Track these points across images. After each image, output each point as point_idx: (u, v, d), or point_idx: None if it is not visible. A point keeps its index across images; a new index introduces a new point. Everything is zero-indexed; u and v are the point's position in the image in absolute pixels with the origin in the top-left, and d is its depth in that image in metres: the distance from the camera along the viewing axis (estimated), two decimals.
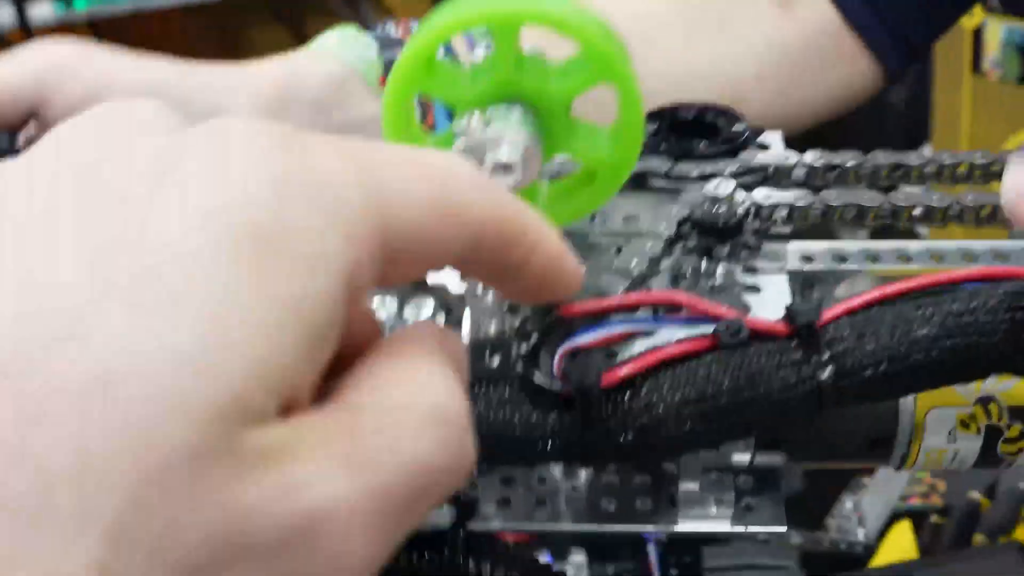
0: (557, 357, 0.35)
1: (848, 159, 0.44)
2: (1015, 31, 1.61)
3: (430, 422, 0.24)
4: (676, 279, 0.42)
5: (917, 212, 0.42)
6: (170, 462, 0.20)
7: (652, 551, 0.66)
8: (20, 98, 0.55)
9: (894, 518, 0.76)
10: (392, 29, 0.63)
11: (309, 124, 0.59)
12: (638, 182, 0.44)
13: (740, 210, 0.40)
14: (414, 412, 0.24)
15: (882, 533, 0.67)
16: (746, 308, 0.39)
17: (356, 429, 0.23)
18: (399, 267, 0.25)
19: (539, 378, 0.35)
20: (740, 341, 0.34)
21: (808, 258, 0.43)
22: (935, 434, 0.39)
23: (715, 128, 0.46)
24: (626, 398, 0.34)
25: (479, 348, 0.37)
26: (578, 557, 0.69)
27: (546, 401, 0.35)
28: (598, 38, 0.34)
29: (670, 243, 0.40)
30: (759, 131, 0.47)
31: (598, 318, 0.37)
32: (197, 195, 0.22)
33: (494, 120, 0.34)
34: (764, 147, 0.46)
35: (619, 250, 0.40)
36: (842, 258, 0.42)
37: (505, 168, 0.33)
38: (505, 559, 0.42)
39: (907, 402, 0.39)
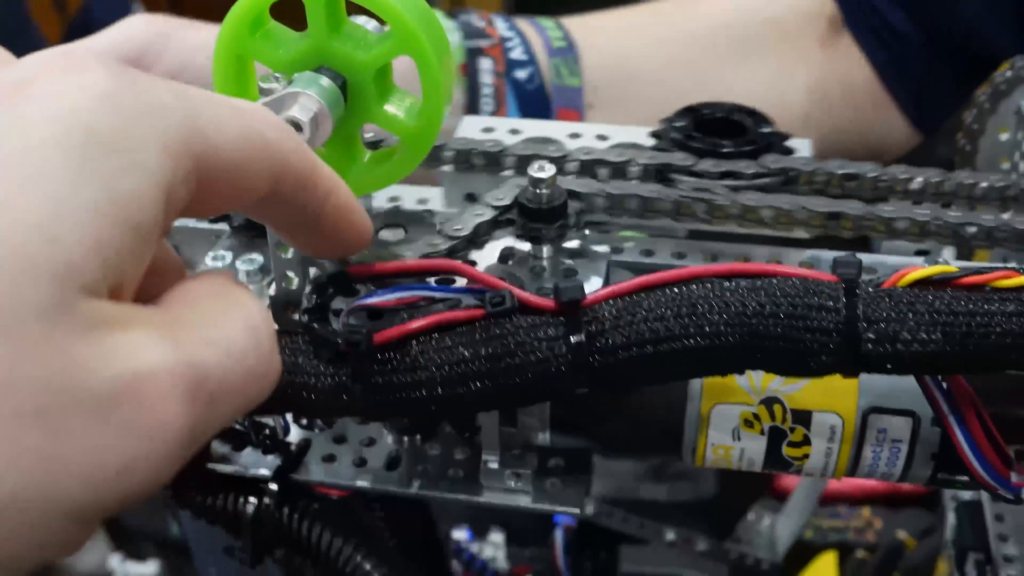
0: (343, 314, 0.37)
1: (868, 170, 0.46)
2: None
3: (243, 329, 0.29)
4: (505, 259, 0.43)
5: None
6: (17, 315, 0.24)
7: (559, 536, 0.67)
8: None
9: (823, 547, 0.76)
10: (475, 18, 0.65)
11: None
12: (660, 174, 0.45)
13: (561, 194, 0.41)
14: (229, 319, 0.29)
15: (794, 555, 0.67)
16: (578, 286, 0.41)
17: (177, 320, 0.28)
18: (210, 195, 0.29)
19: (318, 329, 0.37)
20: (504, 311, 0.35)
21: (618, 249, 0.44)
22: (720, 430, 0.40)
23: (742, 128, 0.48)
24: (396, 357, 0.36)
25: (279, 303, 0.39)
26: (496, 536, 0.71)
27: (326, 353, 0.37)
28: (400, 11, 0.35)
29: (495, 222, 0.42)
30: (785, 136, 0.48)
31: (394, 281, 0.38)
32: (43, 104, 0.26)
33: (297, 82, 0.36)
34: (790, 151, 0.47)
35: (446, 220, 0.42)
36: (649, 252, 0.43)
37: (296, 126, 0.35)
38: (319, 512, 0.44)
39: (694, 396, 0.40)
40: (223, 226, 0.46)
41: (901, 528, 0.77)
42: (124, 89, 0.27)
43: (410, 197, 0.47)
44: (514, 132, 0.49)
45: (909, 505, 0.87)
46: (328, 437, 0.45)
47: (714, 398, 0.39)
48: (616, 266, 0.43)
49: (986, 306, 0.33)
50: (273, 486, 0.43)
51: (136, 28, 0.61)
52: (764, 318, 0.34)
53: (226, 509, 0.43)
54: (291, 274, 0.39)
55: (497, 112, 0.62)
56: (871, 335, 0.33)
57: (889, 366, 0.34)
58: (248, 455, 0.44)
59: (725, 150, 0.46)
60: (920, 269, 0.34)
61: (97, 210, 0.25)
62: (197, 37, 0.62)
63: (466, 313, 0.36)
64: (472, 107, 0.62)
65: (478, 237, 0.41)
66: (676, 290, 0.35)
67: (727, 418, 0.39)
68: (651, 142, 0.48)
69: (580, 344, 0.35)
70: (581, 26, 0.71)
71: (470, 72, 0.62)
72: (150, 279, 0.29)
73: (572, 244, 0.43)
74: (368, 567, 0.43)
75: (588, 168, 0.45)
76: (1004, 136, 0.55)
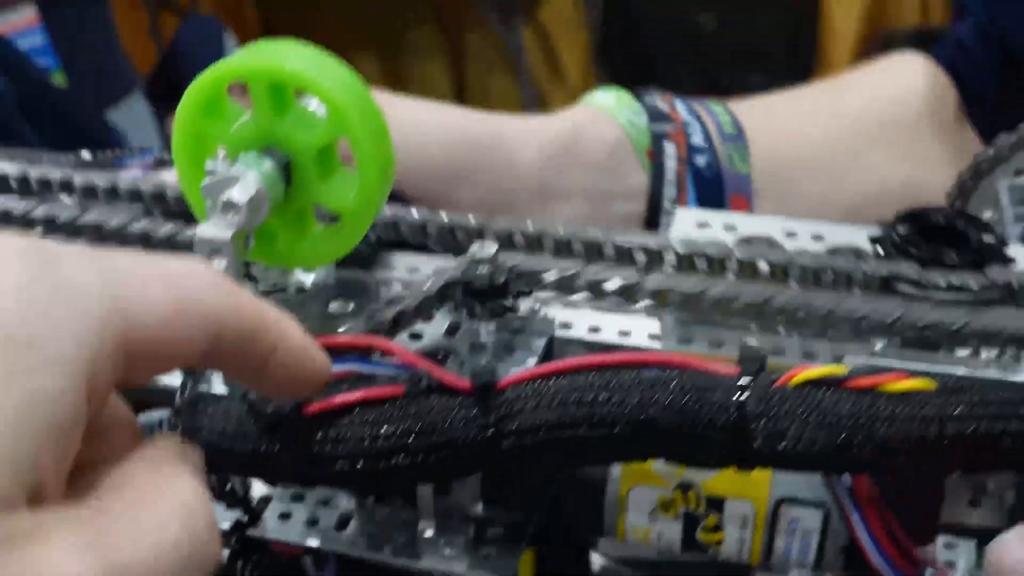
0: None
1: None
2: None
3: (178, 515, 0.27)
4: (452, 331, 0.45)
5: None
6: None
7: None
8: None
9: None
10: (658, 99, 0.65)
11: (585, 186, 0.62)
12: (886, 285, 0.44)
13: (502, 273, 0.43)
14: (162, 506, 0.27)
15: None
16: (491, 370, 0.42)
17: (102, 519, 0.26)
18: (142, 367, 0.29)
19: (253, 399, 0.39)
20: (422, 390, 0.37)
21: (595, 328, 0.45)
22: (637, 512, 0.41)
23: (964, 236, 0.47)
24: (323, 429, 0.38)
25: None
26: None
27: (262, 422, 0.39)
28: (336, 95, 0.38)
29: (438, 298, 0.43)
30: (1004, 243, 0.47)
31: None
32: None
33: (240, 163, 0.38)
34: (1009, 260, 0.46)
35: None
36: (595, 329, 0.45)
37: (232, 207, 0.38)
38: (268, 566, 0.46)
39: (614, 478, 0.41)
40: None
41: None
42: (38, 278, 0.26)
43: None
44: (729, 228, 0.48)
45: None
46: (288, 494, 0.47)
47: (632, 480, 0.41)
48: (565, 343, 0.44)
49: (870, 409, 0.34)
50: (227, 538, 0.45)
51: None
52: (659, 410, 0.35)
53: None
54: None
55: (678, 198, 0.62)
56: (760, 433, 0.34)
57: (778, 464, 0.34)
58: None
59: (949, 261, 0.45)
60: (810, 369, 0.34)
61: (9, 418, 0.24)
62: (406, 114, 0.60)
63: (386, 391, 0.38)
64: (656, 192, 0.62)
65: (423, 311, 0.43)
66: (580, 379, 0.37)
67: (644, 501, 0.41)
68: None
69: (489, 426, 0.36)
70: (747, 111, 0.70)
71: (655, 157, 0.63)
72: (95, 444, 0.28)
73: (524, 313, 0.45)
74: None
75: (810, 275, 0.45)
76: (988, 214, 0.55)
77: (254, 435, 0.39)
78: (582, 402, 0.36)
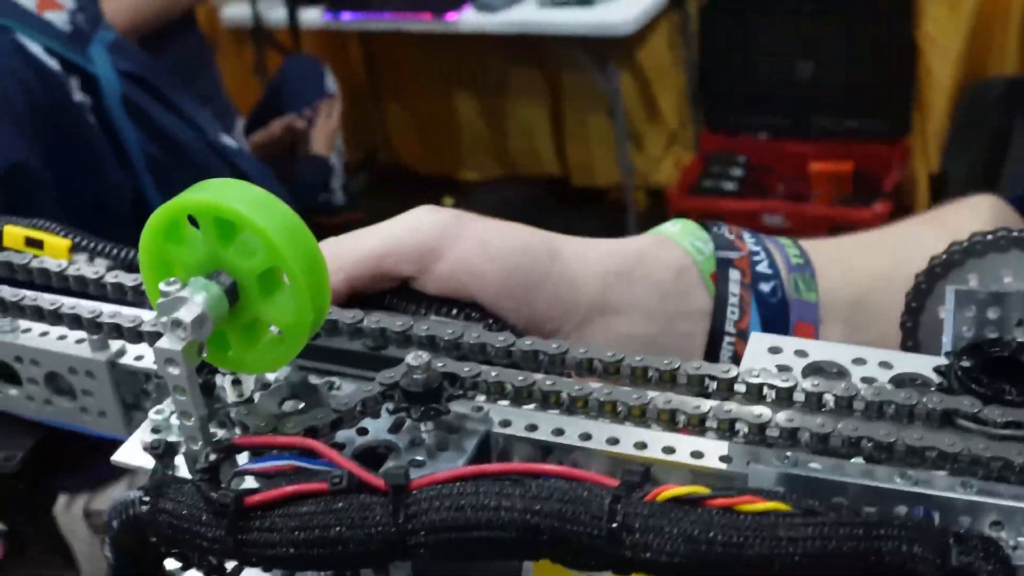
0: (230, 476, 0.45)
1: None
2: None
3: None
4: (396, 427, 0.50)
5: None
6: None
7: None
8: (409, 259, 0.59)
9: None
10: (726, 230, 0.68)
11: (647, 305, 0.64)
12: (945, 418, 0.45)
13: (437, 379, 0.47)
14: None
15: None
16: (403, 471, 0.46)
17: None
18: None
19: (203, 488, 0.44)
20: (340, 488, 0.42)
21: (559, 431, 0.49)
22: None
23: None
24: (261, 519, 0.43)
25: (191, 457, 0.47)
26: None
27: (212, 507, 0.44)
28: (269, 231, 0.43)
29: (383, 396, 0.48)
30: None
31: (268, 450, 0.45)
32: None
33: (191, 286, 0.44)
34: None
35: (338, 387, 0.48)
36: (533, 427, 0.48)
37: (179, 324, 0.43)
38: None
39: (526, 570, 0.45)
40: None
41: None
42: None
43: None
44: (800, 354, 0.50)
45: None
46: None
47: (543, 572, 0.44)
48: (509, 439, 0.48)
49: (729, 527, 0.37)
50: None
51: (435, 217, 0.61)
52: (543, 517, 0.39)
53: None
54: (193, 437, 0.46)
55: (741, 320, 0.64)
56: (629, 543, 0.38)
57: (651, 570, 0.38)
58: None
59: (1009, 397, 0.46)
60: (675, 487, 0.38)
61: None
62: (484, 225, 0.62)
63: (312, 487, 0.43)
64: (719, 315, 0.64)
65: (367, 410, 0.48)
66: (483, 484, 0.41)
67: None
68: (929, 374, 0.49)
69: (399, 524, 0.41)
70: (815, 246, 0.71)
71: (720, 281, 0.65)
72: None
73: (460, 412, 0.49)
74: None
75: (876, 408, 0.46)
76: (943, 314, 0.57)
77: (206, 519, 0.44)
78: (480, 506, 0.40)
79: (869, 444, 0.44)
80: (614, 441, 0.48)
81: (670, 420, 0.47)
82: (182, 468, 0.48)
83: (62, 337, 0.59)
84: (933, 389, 0.48)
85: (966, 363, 0.48)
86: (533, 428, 0.49)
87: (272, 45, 3.38)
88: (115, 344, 0.58)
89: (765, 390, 0.47)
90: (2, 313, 0.60)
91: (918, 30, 2.97)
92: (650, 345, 0.56)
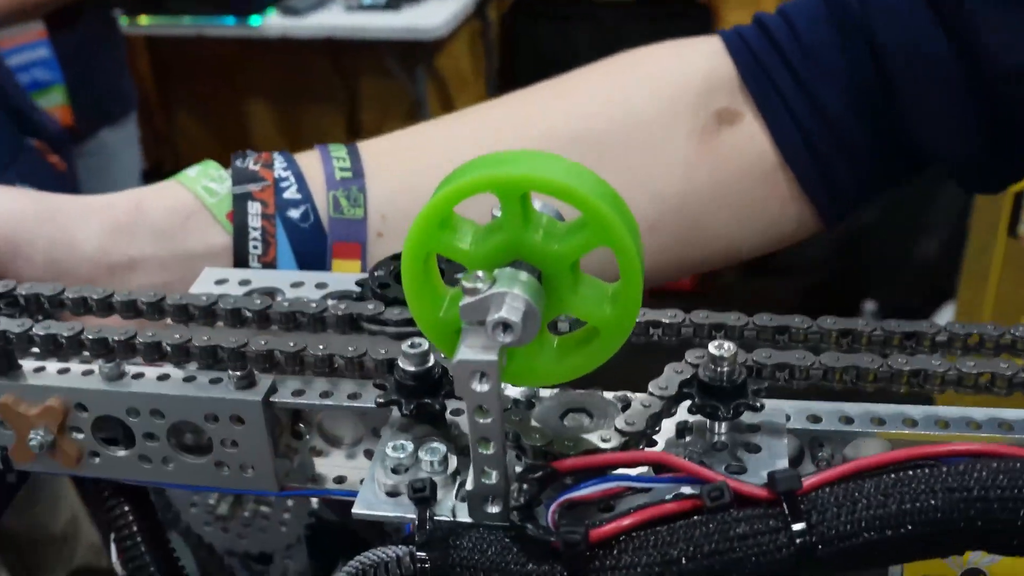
0: (552, 509, 0.37)
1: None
2: None
3: None
4: (682, 434, 0.43)
5: (916, 377, 0.43)
6: None
7: None
8: None
9: None
10: (250, 162, 0.65)
11: (151, 251, 0.62)
12: (353, 323, 0.48)
13: (741, 371, 0.41)
14: None
15: None
16: (743, 468, 0.40)
17: None
18: None
19: (531, 529, 0.36)
20: (722, 505, 0.35)
21: (816, 418, 0.44)
22: None
23: None
24: (613, 554, 0.36)
25: (477, 496, 0.39)
26: None
27: (538, 551, 0.36)
28: (598, 204, 0.35)
29: (673, 401, 0.41)
30: None
31: (595, 472, 0.38)
32: None
33: (499, 280, 0.36)
34: None
35: (624, 407, 0.41)
36: (849, 419, 0.43)
37: (506, 326, 0.35)
38: None
39: (893, 571, 0.39)
40: (364, 403, 0.46)
41: None
42: None
43: None
44: (244, 283, 0.54)
45: None
46: None
47: (916, 572, 0.39)
48: (803, 436, 0.43)
49: None
50: None
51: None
52: (988, 502, 0.34)
53: None
54: (489, 469, 0.38)
55: (266, 254, 0.63)
56: None
57: None
58: None
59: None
60: None
61: None
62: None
63: (680, 505, 0.36)
64: (240, 251, 0.63)
65: (649, 430, 0.41)
66: (896, 475, 0.35)
67: None
68: None
69: (802, 534, 0.35)
70: (379, 151, 0.68)
71: (237, 217, 0.63)
72: None
73: (747, 417, 0.43)
74: None
75: (290, 319, 0.50)
76: None
77: (528, 567, 0.36)
78: (903, 500, 0.34)
79: (280, 356, 0.46)
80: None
81: None
82: (443, 511, 0.40)
83: (190, 379, 0.48)
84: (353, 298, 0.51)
85: (379, 272, 0.51)
86: (817, 419, 0.44)
87: None
88: (263, 380, 0.48)
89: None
90: (105, 358, 0.49)
91: None
92: (173, 290, 0.53)
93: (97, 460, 0.50)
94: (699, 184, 0.69)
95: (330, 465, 0.50)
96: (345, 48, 3.18)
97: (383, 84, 3.25)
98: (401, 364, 0.42)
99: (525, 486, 0.37)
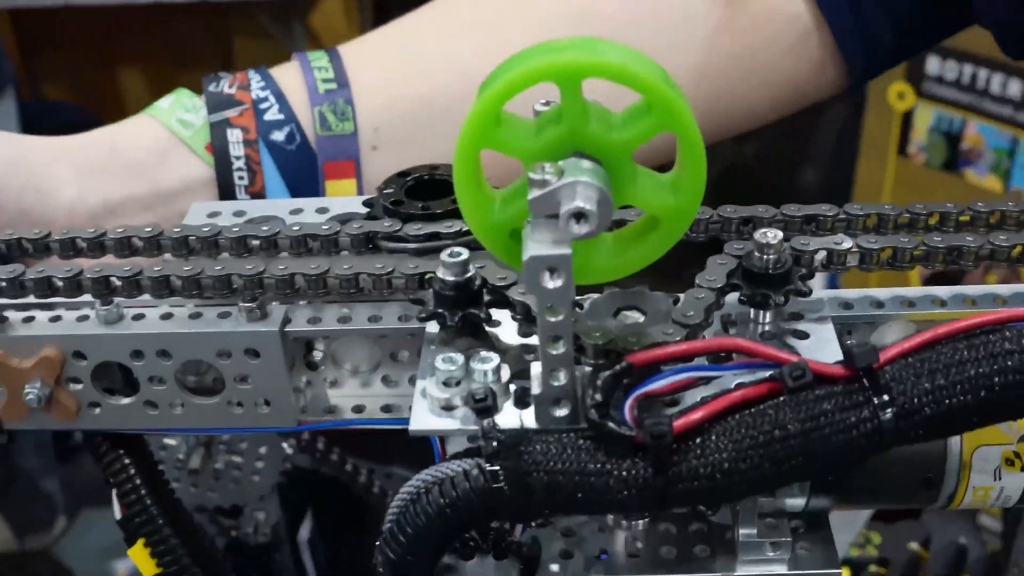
0: (628, 404, 0.36)
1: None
2: (944, 118, 1.66)
3: None
4: (726, 327, 0.43)
5: (951, 255, 0.43)
6: None
7: None
8: None
9: None
10: (225, 85, 0.62)
11: (130, 192, 0.59)
12: (370, 242, 0.46)
13: (787, 258, 0.41)
14: None
15: None
16: (796, 353, 0.40)
17: None
18: None
19: (612, 426, 0.35)
20: (804, 384, 0.35)
21: (848, 304, 0.44)
22: (981, 472, 0.40)
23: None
24: (697, 443, 0.35)
25: (546, 400, 0.38)
26: None
27: (620, 449, 0.35)
28: (660, 87, 0.34)
29: (721, 292, 0.41)
30: None
31: (662, 366, 0.37)
32: None
33: (567, 170, 0.34)
34: None
35: (676, 301, 0.41)
36: (879, 304, 0.43)
37: (581, 216, 0.34)
38: None
39: (953, 442, 0.40)
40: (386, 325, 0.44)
41: (904, 540, 0.80)
42: None
43: None
44: (239, 214, 0.50)
45: (899, 518, 0.90)
46: (553, 533, 0.43)
47: (976, 441, 0.40)
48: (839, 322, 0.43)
49: None
50: None
51: None
52: None
53: None
54: (559, 370, 0.37)
55: (253, 183, 0.60)
56: None
57: None
58: (474, 565, 0.42)
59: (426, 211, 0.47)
60: None
61: None
62: None
63: (763, 389, 0.36)
64: (225, 181, 0.60)
65: (705, 322, 0.40)
66: (967, 342, 0.35)
67: (989, 460, 0.40)
68: None
69: (884, 408, 0.35)
70: (362, 53, 0.64)
71: (217, 146, 0.60)
72: None
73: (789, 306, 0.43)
74: None
75: (301, 243, 0.47)
76: None
77: (608, 465, 0.35)
78: (981, 363, 0.35)
79: (303, 280, 0.44)
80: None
81: None
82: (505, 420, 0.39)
83: (196, 316, 0.45)
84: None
85: (388, 191, 0.49)
86: (849, 306, 0.44)
87: None
88: (276, 310, 0.45)
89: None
90: (104, 300, 0.46)
91: None
92: None
93: (98, 411, 0.47)
94: (722, 55, 0.66)
95: (345, 395, 0.49)
96: (217, 10, 3.08)
97: (260, 44, 3.16)
98: (440, 275, 0.41)
99: (599, 383, 0.36)
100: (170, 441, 0.71)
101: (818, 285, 0.43)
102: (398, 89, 0.63)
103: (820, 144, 2.50)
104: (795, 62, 0.67)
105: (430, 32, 0.66)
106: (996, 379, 0.34)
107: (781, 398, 0.35)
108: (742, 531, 0.41)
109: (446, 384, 0.39)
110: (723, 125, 0.69)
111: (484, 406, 0.38)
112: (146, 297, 0.46)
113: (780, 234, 0.40)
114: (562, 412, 0.38)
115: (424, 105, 0.62)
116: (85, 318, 0.46)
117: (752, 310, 0.42)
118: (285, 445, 0.73)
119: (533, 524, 0.42)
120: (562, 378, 0.37)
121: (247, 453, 0.73)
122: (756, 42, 0.66)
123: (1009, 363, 0.34)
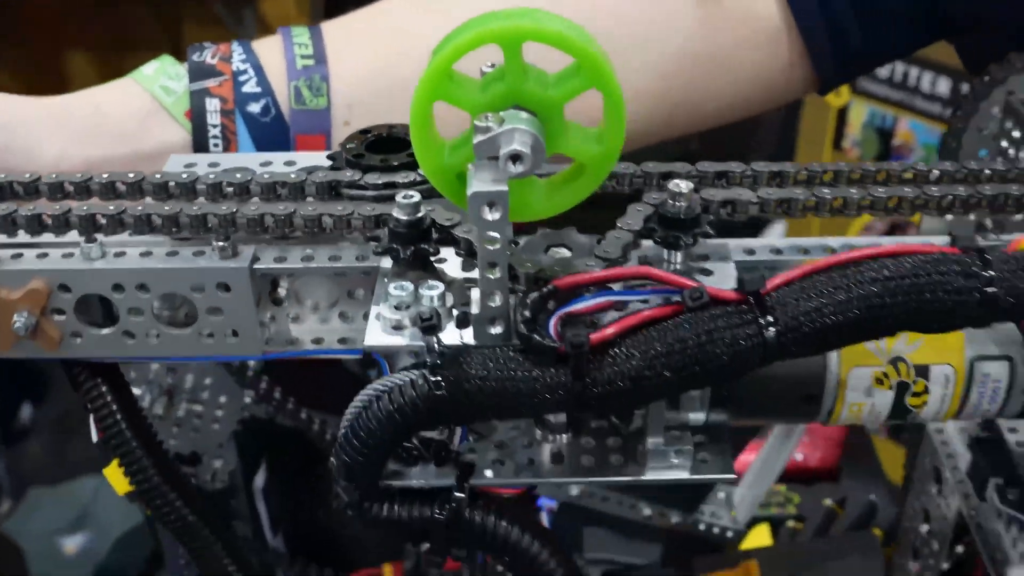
0: (553, 322, 0.42)
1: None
2: (877, 115, 1.74)
3: None
4: (642, 262, 0.49)
5: (836, 204, 0.50)
6: None
7: (545, 518, 0.72)
8: None
9: (753, 523, 0.86)
10: (208, 55, 0.65)
11: (111, 153, 0.62)
12: (333, 190, 0.51)
13: (697, 205, 0.47)
14: None
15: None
16: (760, 277, 0.47)
17: None
18: None
19: (538, 339, 0.42)
20: (701, 304, 0.42)
21: (750, 251, 0.50)
22: (855, 390, 0.47)
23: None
24: (611, 354, 0.41)
25: (483, 319, 0.44)
26: None
27: (544, 359, 0.42)
28: (588, 50, 0.41)
29: (638, 235, 0.47)
30: None
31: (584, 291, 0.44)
32: None
33: (507, 119, 0.41)
34: None
35: (599, 241, 0.47)
36: (778, 251, 0.50)
37: (517, 158, 0.40)
38: (502, 510, 0.48)
39: (832, 362, 0.47)
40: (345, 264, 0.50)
41: (815, 499, 0.89)
42: None
43: None
44: (213, 165, 0.55)
45: (816, 480, 0.98)
46: (488, 446, 0.49)
47: (851, 362, 0.47)
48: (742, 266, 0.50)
49: None
50: (458, 493, 0.47)
51: None
52: (919, 285, 0.41)
53: (412, 518, 0.47)
54: (494, 293, 0.43)
55: (228, 148, 0.64)
56: (1007, 296, 0.41)
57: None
58: (418, 471, 0.48)
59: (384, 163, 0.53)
60: None
61: None
62: None
63: (668, 310, 0.42)
64: (200, 148, 0.63)
65: (622, 258, 0.47)
66: (841, 271, 0.42)
67: (861, 379, 0.47)
68: None
69: (768, 326, 0.41)
70: (348, 32, 0.68)
71: (196, 114, 0.63)
72: None
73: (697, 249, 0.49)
74: (550, 555, 0.47)
75: (270, 189, 0.52)
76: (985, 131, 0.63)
77: (534, 373, 0.41)
78: (850, 288, 0.41)
79: (271, 220, 0.50)
80: None
81: None
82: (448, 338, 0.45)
83: (173, 253, 0.51)
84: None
85: (350, 146, 0.54)
86: (751, 252, 0.51)
87: None
88: (245, 250, 0.51)
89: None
90: (88, 236, 0.51)
91: None
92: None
93: (79, 340, 0.52)
94: (695, 51, 0.69)
95: (305, 330, 0.54)
96: None
97: (210, 30, 3.17)
98: (395, 215, 0.46)
99: (529, 302, 0.42)
100: (135, 390, 0.75)
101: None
102: (376, 68, 0.66)
103: (761, 137, 2.58)
104: (766, 60, 0.71)
105: (409, 14, 0.70)
106: (863, 303, 0.41)
107: (682, 317, 0.42)
108: (650, 440, 0.47)
109: (397, 308, 0.45)
110: (694, 119, 0.73)
111: (429, 324, 0.43)
112: (126, 236, 0.51)
113: (691, 184, 0.47)
114: (497, 330, 0.44)
115: (400, 85, 0.63)
116: (70, 255, 0.51)
117: (665, 250, 0.48)
118: (245, 396, 0.79)
119: (471, 437, 0.48)
120: (497, 300, 0.43)
121: (208, 402, 0.78)
122: (728, 40, 0.70)
123: (873, 289, 0.41)
